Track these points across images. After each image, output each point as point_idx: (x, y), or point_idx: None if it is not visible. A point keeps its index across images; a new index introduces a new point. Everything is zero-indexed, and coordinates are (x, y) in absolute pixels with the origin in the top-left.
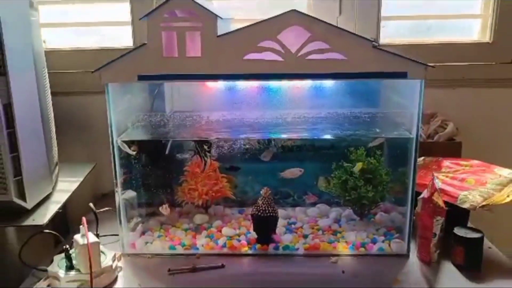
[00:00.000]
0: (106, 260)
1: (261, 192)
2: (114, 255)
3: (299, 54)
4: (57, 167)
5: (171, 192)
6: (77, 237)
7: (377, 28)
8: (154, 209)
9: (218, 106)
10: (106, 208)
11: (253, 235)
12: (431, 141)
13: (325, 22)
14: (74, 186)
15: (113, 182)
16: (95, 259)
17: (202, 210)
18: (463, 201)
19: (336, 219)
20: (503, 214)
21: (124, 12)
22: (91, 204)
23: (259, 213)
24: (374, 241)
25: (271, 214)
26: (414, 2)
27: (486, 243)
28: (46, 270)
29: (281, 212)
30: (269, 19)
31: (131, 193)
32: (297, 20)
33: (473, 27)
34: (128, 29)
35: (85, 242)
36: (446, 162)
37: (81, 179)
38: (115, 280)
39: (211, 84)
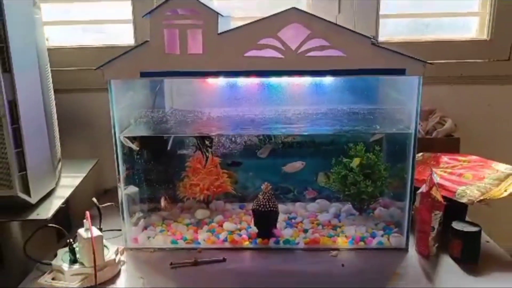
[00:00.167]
0: (109, 254)
1: (262, 187)
2: (117, 249)
3: (299, 51)
4: (60, 163)
5: (173, 188)
6: (81, 231)
7: (376, 26)
8: (156, 204)
9: (217, 103)
10: (109, 203)
11: (254, 229)
12: (430, 137)
13: (324, 19)
14: (77, 181)
15: (115, 178)
16: (98, 252)
17: (203, 205)
18: (461, 195)
19: (335, 214)
20: (501, 210)
21: (125, 10)
22: (94, 199)
23: (260, 208)
24: (373, 236)
25: (272, 209)
26: (412, 1)
27: (484, 237)
28: (50, 264)
29: (281, 207)
30: (269, 16)
31: (133, 189)
32: (297, 18)
33: (471, 25)
34: (130, 27)
35: (89, 236)
36: (445, 158)
37: (84, 174)
38: (118, 273)
39: (210, 81)
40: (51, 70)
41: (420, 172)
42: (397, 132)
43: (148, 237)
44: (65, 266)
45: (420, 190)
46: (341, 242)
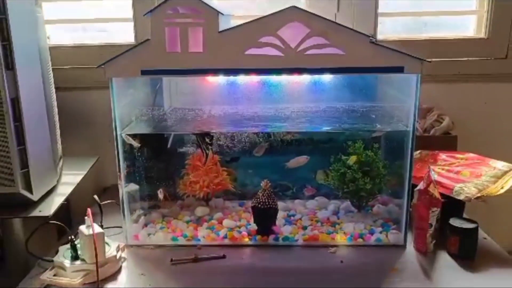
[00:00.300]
0: (110, 251)
1: (261, 184)
2: (118, 246)
3: (299, 49)
4: (61, 161)
5: (173, 185)
6: (82, 228)
7: (374, 24)
8: (156, 202)
9: (217, 101)
10: (110, 201)
11: (254, 226)
12: (428, 135)
13: (324, 18)
14: (78, 179)
15: (114, 176)
16: (100, 249)
17: (203, 203)
18: (458, 193)
19: (334, 211)
20: (498, 207)
21: (126, 8)
22: (95, 196)
23: (260, 205)
24: (371, 232)
25: (271, 206)
26: (411, 0)
27: (481, 233)
28: (52, 260)
29: (280, 204)
30: (269, 15)
31: (133, 186)
32: (296, 16)
33: (469, 23)
34: (130, 25)
35: (91, 232)
36: (442, 155)
37: (85, 172)
38: (119, 270)
39: (210, 79)
40: (52, 68)
41: (418, 170)
42: (396, 130)
43: (149, 234)
44: (67, 263)
45: (418, 187)
46: (340, 239)
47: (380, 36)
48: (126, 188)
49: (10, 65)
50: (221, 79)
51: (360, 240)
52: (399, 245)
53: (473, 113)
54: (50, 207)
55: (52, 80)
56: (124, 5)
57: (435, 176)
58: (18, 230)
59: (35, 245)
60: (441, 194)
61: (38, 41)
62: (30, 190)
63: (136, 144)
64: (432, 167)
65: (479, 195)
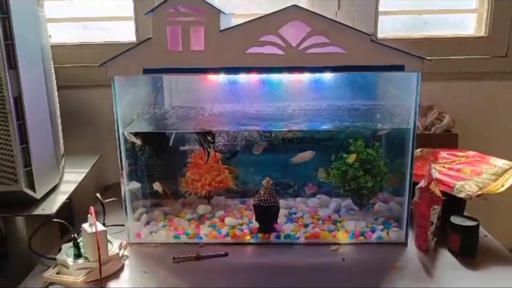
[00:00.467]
0: (113, 249)
1: (263, 182)
2: (121, 244)
3: (300, 48)
4: (63, 159)
5: (175, 183)
6: (85, 226)
7: (375, 22)
8: (158, 200)
9: (217, 100)
10: (112, 199)
11: (255, 224)
12: (428, 133)
13: (325, 16)
14: (80, 177)
15: (115, 174)
16: (102, 247)
17: (205, 201)
18: (459, 190)
19: (336, 209)
20: (499, 204)
21: (127, 7)
22: (98, 195)
23: (261, 203)
24: (373, 230)
25: (273, 204)
26: None
27: (482, 231)
28: (54, 259)
29: (282, 202)
30: (270, 14)
31: (135, 184)
32: (297, 15)
33: (469, 22)
34: (131, 24)
35: (94, 230)
36: (443, 153)
37: (87, 170)
38: (122, 267)
39: (211, 78)
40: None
41: (418, 168)
42: (396, 127)
43: (151, 232)
44: (70, 261)
45: (419, 185)
46: (341, 236)
47: (380, 35)
48: (128, 186)
49: (12, 64)
50: (221, 77)
51: (361, 238)
52: (400, 243)
53: (474, 111)
54: (53, 206)
55: (54, 79)
56: (125, 4)
57: (436, 174)
58: (21, 228)
59: (38, 243)
60: (442, 192)
61: (40, 40)
62: (33, 188)
63: (138, 142)
64: (433, 165)
65: (479, 193)
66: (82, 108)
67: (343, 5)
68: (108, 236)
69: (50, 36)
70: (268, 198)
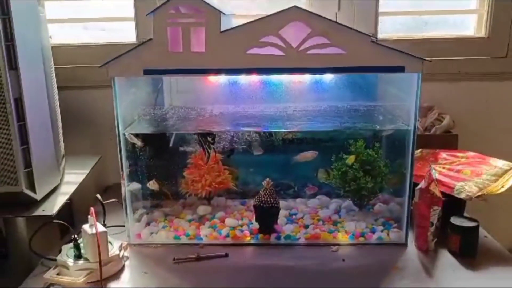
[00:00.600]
0: (113, 249)
1: (263, 183)
2: (121, 245)
3: (300, 49)
4: (64, 160)
5: (175, 184)
6: (86, 227)
7: (375, 23)
8: (159, 201)
9: (217, 100)
10: (112, 200)
11: (256, 225)
12: (428, 133)
13: (325, 18)
14: (80, 178)
15: (115, 175)
16: (103, 248)
17: (205, 202)
18: (459, 191)
19: (336, 210)
20: (499, 205)
21: (127, 7)
22: (98, 196)
23: (262, 204)
24: (373, 231)
25: (273, 205)
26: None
27: (482, 232)
28: (55, 259)
29: (282, 203)
30: (271, 15)
31: (135, 185)
32: (298, 16)
33: (469, 23)
34: (131, 25)
35: (94, 231)
36: (443, 154)
37: (87, 171)
38: (122, 268)
39: (211, 79)
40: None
41: (419, 168)
42: (397, 129)
43: (151, 233)
44: (70, 262)
45: (419, 186)
46: (342, 237)
47: (380, 35)
48: (128, 187)
49: (13, 65)
50: (222, 78)
51: (361, 238)
52: (400, 244)
53: (474, 112)
54: (53, 206)
55: (54, 80)
56: (125, 5)
57: (436, 175)
58: (21, 229)
59: (38, 243)
60: (442, 192)
61: (41, 41)
62: (33, 189)
63: (139, 143)
64: (433, 165)
65: (480, 193)
66: (82, 108)
67: (343, 5)
68: (108, 237)
69: (50, 37)
70: (268, 199)
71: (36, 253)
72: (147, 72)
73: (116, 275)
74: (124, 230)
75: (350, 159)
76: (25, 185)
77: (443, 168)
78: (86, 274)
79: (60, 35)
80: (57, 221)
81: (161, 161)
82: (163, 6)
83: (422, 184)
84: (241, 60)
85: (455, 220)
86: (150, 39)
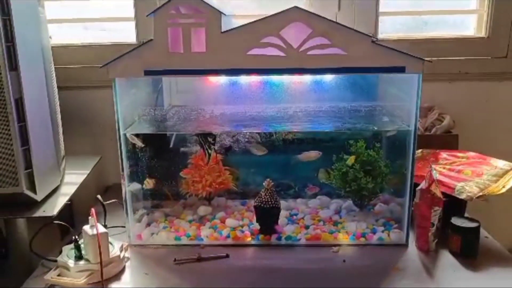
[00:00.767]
0: (114, 250)
1: (264, 184)
2: (122, 246)
3: (301, 50)
4: (64, 160)
5: (176, 184)
6: (86, 228)
7: (375, 23)
8: (159, 201)
9: (217, 100)
10: (113, 200)
11: (256, 226)
12: (429, 133)
13: (326, 18)
14: (81, 178)
15: (115, 175)
16: (104, 249)
17: (205, 202)
18: (460, 192)
19: (336, 210)
20: (500, 206)
21: (127, 7)
22: (99, 196)
23: (262, 205)
24: (374, 231)
25: (274, 205)
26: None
27: (483, 232)
28: (55, 260)
29: (282, 203)
30: (271, 15)
31: (136, 185)
32: (299, 17)
33: (469, 23)
34: (131, 25)
35: (94, 232)
36: (444, 154)
37: (88, 171)
38: (123, 269)
39: (211, 79)
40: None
41: (419, 168)
42: (397, 129)
43: (152, 234)
44: (71, 263)
45: (420, 187)
46: (342, 238)
47: (380, 35)
48: (129, 188)
49: (14, 66)
50: (222, 78)
51: (362, 239)
52: (401, 244)
53: (474, 112)
54: (54, 207)
55: (54, 80)
56: (125, 5)
57: (437, 176)
58: (22, 230)
59: (38, 244)
60: (442, 193)
61: (41, 41)
62: (34, 190)
63: (140, 143)
64: (433, 166)
65: (480, 194)
66: (82, 108)
67: (343, 5)
68: (109, 237)
69: (50, 37)
70: (269, 199)
71: (37, 254)
72: (147, 72)
73: (117, 276)
74: (124, 230)
75: (351, 160)
76: (26, 186)
77: (444, 168)
78: (87, 275)
79: (60, 35)
80: (57, 222)
81: (161, 161)
82: (164, 6)
83: (422, 185)
84: (242, 60)
85: (455, 221)
86: (151, 40)
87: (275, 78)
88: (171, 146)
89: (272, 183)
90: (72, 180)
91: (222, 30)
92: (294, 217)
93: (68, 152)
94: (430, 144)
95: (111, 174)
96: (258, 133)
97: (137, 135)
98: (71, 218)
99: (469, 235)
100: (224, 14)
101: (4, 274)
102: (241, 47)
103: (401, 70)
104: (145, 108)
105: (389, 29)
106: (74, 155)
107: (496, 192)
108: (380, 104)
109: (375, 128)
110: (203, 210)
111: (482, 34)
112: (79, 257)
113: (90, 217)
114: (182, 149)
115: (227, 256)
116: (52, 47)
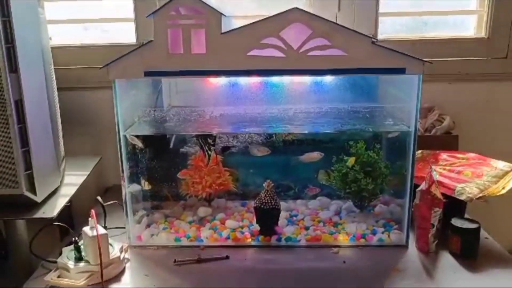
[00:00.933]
0: (114, 252)
1: (264, 185)
2: (122, 247)
3: (301, 51)
4: (64, 161)
5: (175, 186)
6: (86, 229)
7: (375, 24)
8: (159, 202)
9: (217, 101)
10: (113, 201)
11: (256, 227)
12: (429, 134)
13: (326, 19)
14: (81, 179)
15: (115, 176)
16: (104, 250)
17: (205, 203)
18: (460, 193)
19: (336, 211)
20: (500, 207)
21: (127, 8)
22: (99, 198)
23: (262, 206)
24: (374, 232)
25: (274, 206)
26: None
27: (483, 233)
28: (55, 262)
29: (282, 204)
30: (271, 16)
31: (136, 187)
32: (299, 17)
33: (469, 23)
34: (131, 25)
35: (94, 234)
36: (444, 155)
37: (87, 173)
38: (123, 270)
39: (211, 80)
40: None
41: (419, 169)
42: (397, 130)
43: (152, 235)
44: (71, 264)
45: (420, 188)
46: (342, 239)
47: (380, 36)
48: (128, 189)
49: (13, 68)
50: (222, 79)
51: (362, 240)
52: (401, 245)
53: (474, 112)
54: (53, 209)
55: (54, 81)
56: (125, 5)
57: (436, 176)
58: (21, 231)
59: (38, 245)
60: (442, 194)
61: (41, 42)
62: (34, 191)
63: (140, 144)
64: (433, 167)
65: (480, 195)
66: (82, 109)
67: (343, 6)
68: (109, 239)
69: (50, 38)
70: (269, 201)
71: (37, 255)
72: (147, 73)
73: (117, 278)
74: (124, 232)
75: (351, 161)
76: (26, 188)
77: (444, 169)
78: (87, 276)
79: (60, 36)
80: (57, 223)
81: (161, 162)
82: (164, 7)
83: (423, 186)
84: (242, 61)
85: (455, 222)
86: (151, 41)
87: (275, 79)
88: (171, 147)
89: (272, 184)
90: (72, 181)
91: (222, 31)
92: (294, 218)
93: (68, 153)
94: (430, 145)
95: (111, 175)
96: (258, 134)
97: (137, 136)
98: (71, 220)
99: (469, 236)
100: (224, 15)
101: (4, 276)
102: (241, 48)
103: (401, 71)
104: (145, 109)
105: (389, 29)
106: (74, 156)
107: (496, 193)
108: (381, 105)
109: (372, 129)
110: (203, 211)
111: (482, 34)
112: (79, 258)
113: (90, 218)
114: (182, 150)
115: (227, 257)
116: (52, 48)
